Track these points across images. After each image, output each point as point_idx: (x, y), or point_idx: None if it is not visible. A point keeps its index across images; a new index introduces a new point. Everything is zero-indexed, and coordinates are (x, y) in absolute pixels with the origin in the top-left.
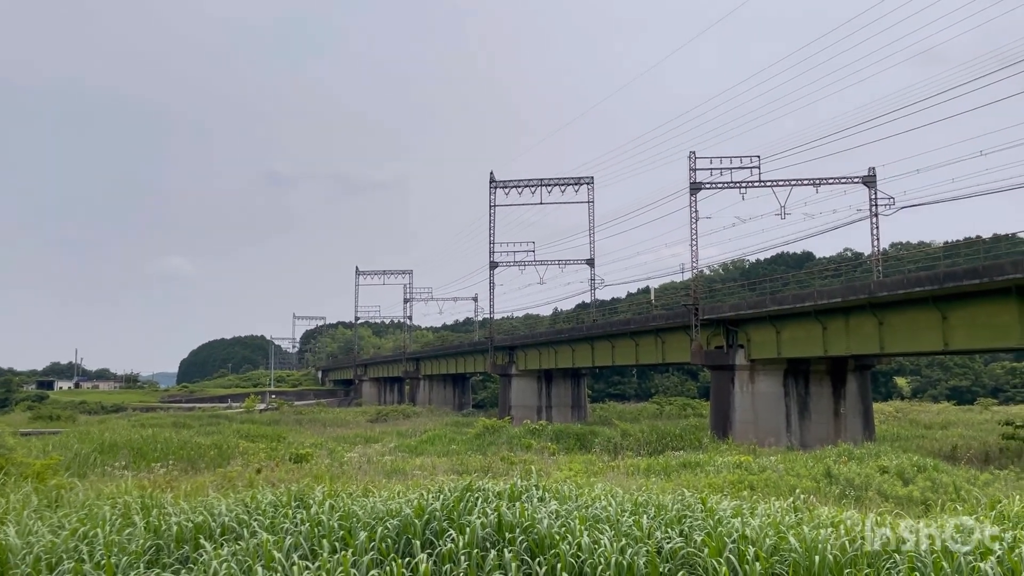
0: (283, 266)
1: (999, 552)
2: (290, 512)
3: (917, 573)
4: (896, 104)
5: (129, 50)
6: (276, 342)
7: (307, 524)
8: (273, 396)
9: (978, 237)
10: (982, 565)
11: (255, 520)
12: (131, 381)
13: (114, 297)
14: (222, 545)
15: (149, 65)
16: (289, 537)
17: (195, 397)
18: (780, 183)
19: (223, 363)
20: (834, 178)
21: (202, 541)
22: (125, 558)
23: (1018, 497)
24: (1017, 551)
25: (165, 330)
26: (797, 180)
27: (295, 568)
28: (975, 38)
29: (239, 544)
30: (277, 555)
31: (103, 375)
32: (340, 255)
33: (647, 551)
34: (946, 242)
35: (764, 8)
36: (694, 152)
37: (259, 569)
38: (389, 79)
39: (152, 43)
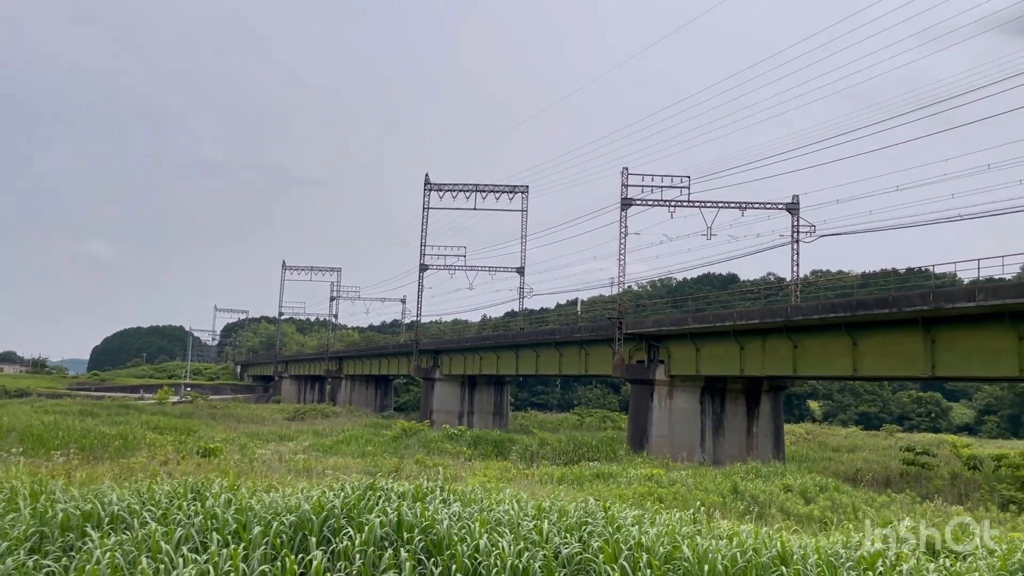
0: (208, 256)
1: (880, 569)
2: (184, 504)
3: None
4: (820, 136)
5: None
6: (195, 334)
7: (200, 517)
8: (188, 389)
9: (892, 269)
10: None
11: (147, 511)
12: (38, 366)
13: (24, 277)
14: (109, 534)
15: (84, 36)
16: (180, 529)
17: (105, 386)
18: (708, 204)
19: (138, 352)
20: (759, 203)
21: (88, 530)
22: (6, 544)
23: (908, 518)
24: (899, 567)
25: (79, 314)
26: (725, 202)
27: (182, 560)
28: (897, 79)
29: (127, 534)
30: (165, 546)
31: (8, 358)
32: (267, 248)
33: (544, 555)
34: (862, 272)
35: (702, 33)
36: (627, 168)
37: (144, 560)
38: (327, 79)
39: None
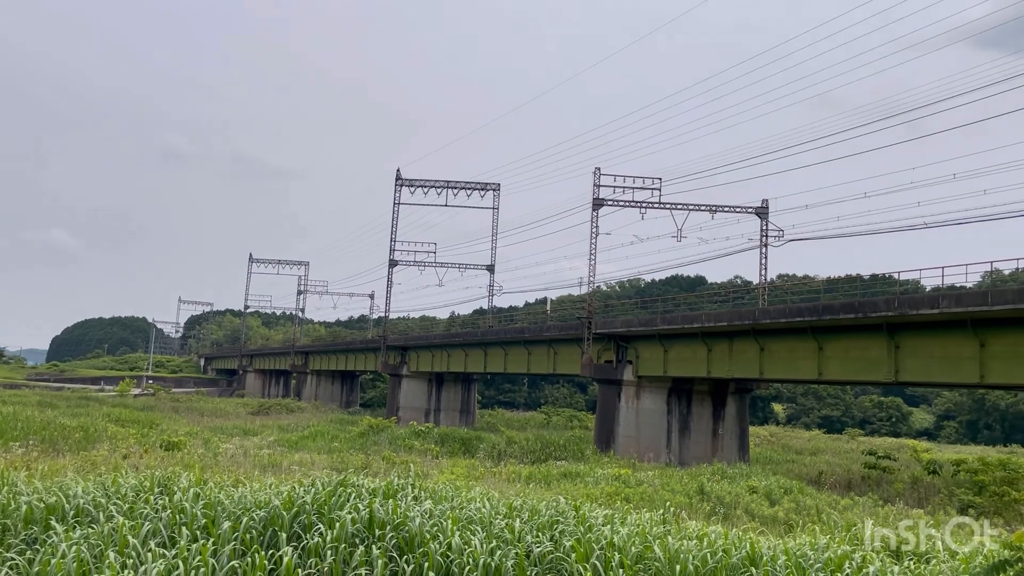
0: (174, 247)
1: (848, 571)
2: (152, 498)
3: None
4: (792, 141)
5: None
6: (159, 325)
7: (168, 511)
8: (150, 381)
9: (857, 275)
10: None
11: (113, 504)
12: None
13: None
14: (74, 528)
15: (48, 25)
16: (148, 523)
17: (65, 377)
18: (679, 207)
19: (99, 343)
20: (729, 206)
21: (53, 523)
22: None
23: (872, 521)
24: (865, 570)
25: (39, 304)
26: (695, 205)
27: (150, 555)
28: (869, 87)
29: (92, 528)
30: (132, 540)
31: None
32: (234, 240)
33: (516, 554)
34: (828, 277)
35: (675, 36)
36: (599, 169)
37: (111, 554)
38: (301, 67)
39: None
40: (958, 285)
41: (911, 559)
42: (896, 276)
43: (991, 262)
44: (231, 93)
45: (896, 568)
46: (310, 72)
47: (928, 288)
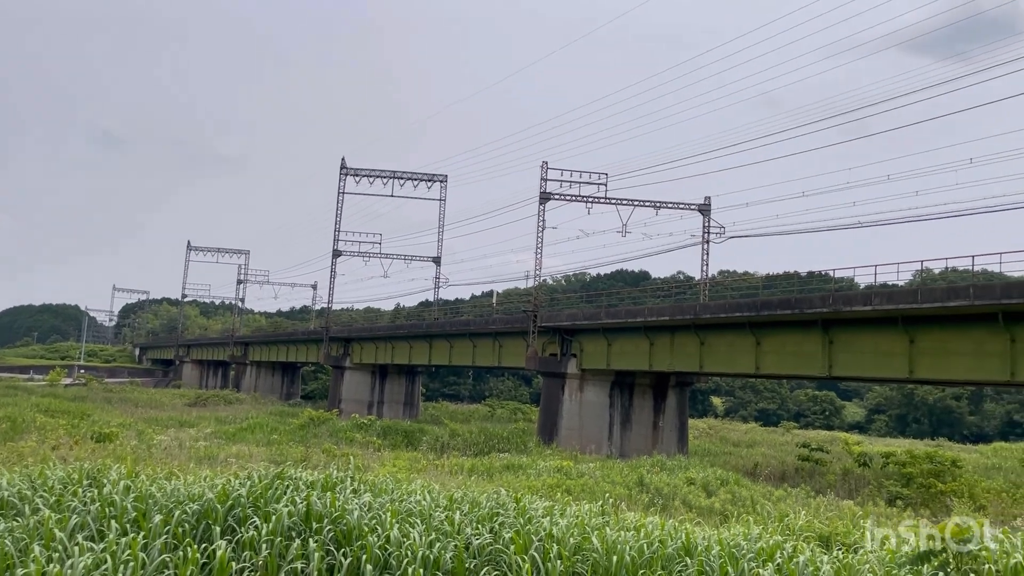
0: (108, 234)
1: (779, 560)
2: (80, 491)
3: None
4: (734, 139)
5: None
6: (92, 314)
7: (97, 504)
8: (82, 371)
9: (795, 272)
10: (762, 571)
11: (39, 497)
12: None
13: None
14: None
15: None
16: (76, 516)
17: None
18: (624, 202)
19: (28, 331)
20: (673, 203)
21: None
22: None
23: (804, 512)
24: (796, 559)
25: None
26: (640, 201)
27: (77, 549)
28: (808, 87)
29: (17, 521)
30: (59, 534)
31: None
32: (172, 227)
33: (455, 546)
34: (767, 274)
35: (623, 29)
36: (546, 163)
37: (36, 548)
38: (245, 50)
39: None
40: (890, 283)
41: (840, 549)
42: (832, 274)
43: (922, 261)
44: (172, 75)
45: (825, 558)
46: (267, 57)
47: (862, 286)
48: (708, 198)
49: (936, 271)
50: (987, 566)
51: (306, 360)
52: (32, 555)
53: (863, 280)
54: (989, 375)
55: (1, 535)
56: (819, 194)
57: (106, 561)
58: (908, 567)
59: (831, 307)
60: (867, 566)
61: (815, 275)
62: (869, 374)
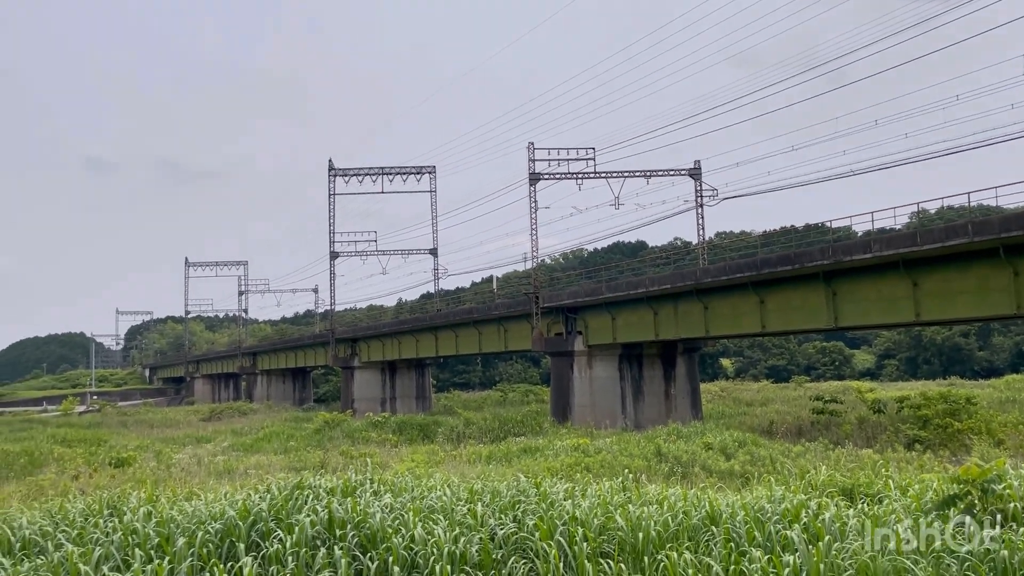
0: (106, 259)
1: (805, 519)
2: (101, 522)
3: (732, 543)
4: (717, 101)
5: None
6: (98, 339)
7: (119, 533)
8: (95, 397)
9: (792, 226)
10: (789, 533)
11: (61, 532)
12: None
13: None
14: (22, 561)
15: None
16: (99, 548)
17: (4, 401)
18: (614, 175)
19: (37, 363)
20: (663, 170)
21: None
22: None
23: (824, 467)
24: (821, 517)
25: None
26: (630, 172)
27: None
28: (786, 40)
29: (41, 559)
30: (84, 568)
31: None
32: (168, 246)
33: (480, 538)
34: (764, 231)
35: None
36: (532, 143)
37: None
38: (213, 62)
39: None
40: (888, 228)
41: (864, 501)
42: (829, 225)
43: (917, 203)
44: (140, 96)
45: (851, 512)
46: (214, 63)
47: (860, 234)
48: (698, 162)
49: (932, 211)
50: (1012, 504)
51: (315, 364)
52: None
53: (861, 229)
54: (995, 310)
55: (27, 574)
56: (808, 146)
57: None
58: (935, 513)
59: (831, 258)
60: (893, 516)
61: (813, 227)
62: (875, 321)
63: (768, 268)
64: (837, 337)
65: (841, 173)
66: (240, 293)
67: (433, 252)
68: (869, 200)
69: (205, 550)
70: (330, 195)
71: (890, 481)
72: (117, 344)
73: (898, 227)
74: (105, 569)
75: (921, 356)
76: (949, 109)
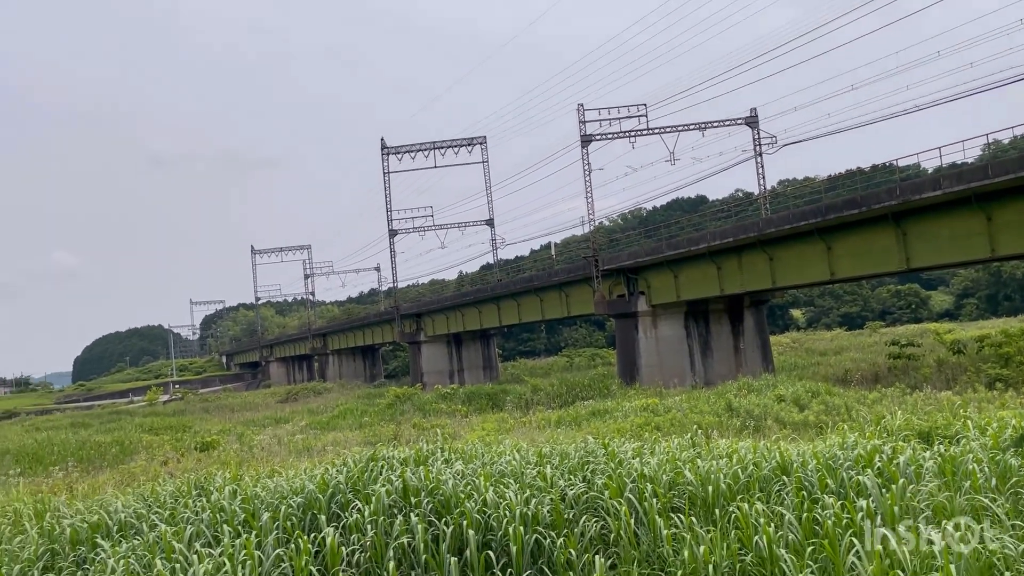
0: (177, 251)
1: (879, 464)
2: (190, 502)
3: (804, 492)
4: (771, 44)
5: None
6: (175, 330)
7: (208, 512)
8: (177, 386)
9: (857, 168)
10: (862, 478)
11: (154, 513)
12: (22, 384)
13: None
14: (120, 542)
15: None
16: (190, 527)
17: (93, 395)
18: (668, 130)
19: (120, 357)
20: (718, 121)
21: (99, 540)
22: (18, 566)
23: (900, 411)
24: (896, 460)
25: (55, 328)
26: (684, 125)
27: (196, 557)
28: None
29: (137, 539)
30: (178, 546)
31: None
32: (235, 235)
33: (551, 499)
34: (829, 175)
35: None
36: (582, 105)
37: (159, 562)
38: (262, 54)
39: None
40: (958, 163)
41: (941, 443)
42: (895, 164)
43: (988, 134)
44: (198, 92)
45: (927, 454)
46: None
47: (929, 171)
48: (754, 110)
49: (1005, 141)
50: None
51: (383, 341)
52: (156, 570)
53: (929, 165)
54: None
55: (125, 555)
56: (869, 83)
57: (225, 564)
58: (1013, 450)
59: (900, 198)
60: (971, 455)
61: (879, 168)
62: (949, 260)
63: (834, 213)
64: (912, 279)
65: (905, 109)
66: (306, 276)
67: (489, 223)
68: (937, 135)
69: (289, 523)
70: (384, 173)
71: (968, 422)
72: (194, 334)
73: (969, 160)
74: (197, 545)
75: (1001, 292)
76: (1012, 35)
